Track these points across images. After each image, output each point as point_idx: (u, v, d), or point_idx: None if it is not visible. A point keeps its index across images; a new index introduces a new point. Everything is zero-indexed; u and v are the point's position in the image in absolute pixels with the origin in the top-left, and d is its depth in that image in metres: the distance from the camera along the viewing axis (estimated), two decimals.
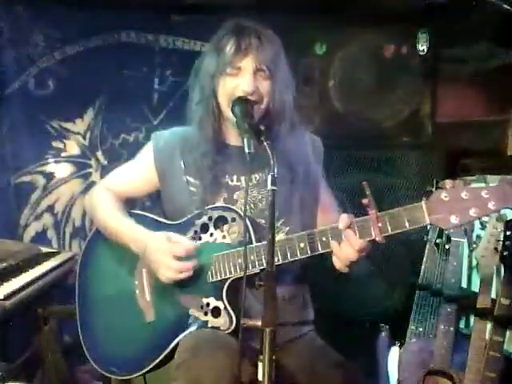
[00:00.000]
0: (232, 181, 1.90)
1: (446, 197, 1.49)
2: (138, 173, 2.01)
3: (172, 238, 1.80)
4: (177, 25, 3.26)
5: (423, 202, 1.52)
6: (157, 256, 1.78)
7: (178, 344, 1.76)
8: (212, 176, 1.87)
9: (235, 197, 1.87)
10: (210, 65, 1.84)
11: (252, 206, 1.87)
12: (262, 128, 1.67)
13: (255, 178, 1.89)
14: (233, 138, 1.92)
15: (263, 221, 1.82)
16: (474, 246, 2.28)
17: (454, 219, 1.48)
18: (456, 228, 2.23)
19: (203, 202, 1.85)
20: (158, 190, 2.00)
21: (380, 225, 1.55)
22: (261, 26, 1.85)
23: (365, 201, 1.55)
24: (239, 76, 1.78)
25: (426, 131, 3.13)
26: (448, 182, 1.60)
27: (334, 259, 1.65)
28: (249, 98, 1.76)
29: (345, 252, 1.60)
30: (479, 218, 1.50)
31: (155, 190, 2.01)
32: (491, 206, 1.44)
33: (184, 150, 1.93)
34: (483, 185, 1.46)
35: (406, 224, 1.53)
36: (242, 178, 1.88)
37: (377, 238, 1.56)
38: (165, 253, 1.77)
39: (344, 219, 1.60)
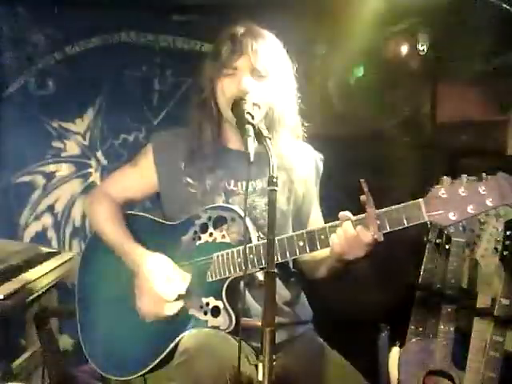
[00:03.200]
0: (229, 185, 1.89)
1: (443, 194, 1.50)
2: (138, 175, 2.00)
3: (167, 275, 1.79)
4: (177, 25, 3.26)
5: (421, 199, 1.52)
6: (145, 287, 1.79)
7: (177, 344, 1.76)
8: (210, 179, 1.87)
9: (231, 201, 1.87)
10: (208, 67, 1.85)
11: (247, 212, 1.86)
12: (263, 128, 1.67)
13: (252, 185, 1.88)
14: (233, 141, 1.92)
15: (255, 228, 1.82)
16: (474, 245, 2.28)
17: (452, 216, 1.48)
18: (455, 226, 2.24)
19: (202, 204, 1.85)
20: (157, 191, 2.00)
21: (378, 222, 1.55)
22: (260, 28, 1.85)
23: (363, 198, 1.55)
24: (236, 76, 1.78)
25: (426, 131, 3.14)
26: (446, 179, 1.60)
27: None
28: (248, 97, 1.75)
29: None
30: (477, 215, 1.50)
31: (154, 191, 2.00)
32: (489, 202, 1.45)
33: (184, 152, 1.92)
34: (481, 182, 1.46)
35: (404, 221, 1.53)
36: (239, 184, 1.88)
37: (375, 236, 1.56)
38: (154, 292, 1.77)
39: (345, 216, 1.61)
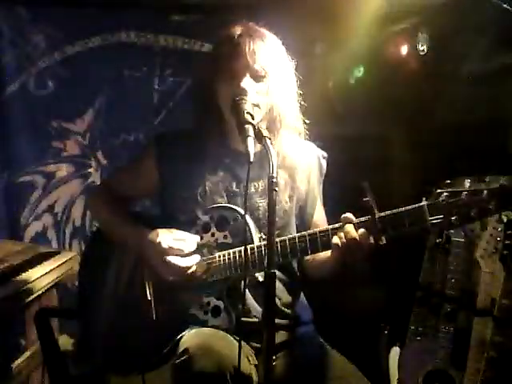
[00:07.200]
0: (231, 186, 1.89)
1: (446, 198, 1.50)
2: (139, 175, 2.01)
3: (176, 235, 1.80)
4: (177, 25, 3.26)
5: (424, 203, 1.52)
6: (155, 251, 1.78)
7: (177, 343, 1.76)
8: (212, 180, 1.87)
9: (233, 202, 1.87)
10: (207, 70, 1.85)
11: (248, 213, 1.86)
12: (263, 128, 1.67)
13: (254, 186, 1.88)
14: (235, 142, 1.92)
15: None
16: (474, 245, 2.28)
17: (454, 220, 1.49)
18: (456, 228, 2.24)
19: (204, 204, 1.86)
20: (158, 190, 2.00)
21: (380, 225, 1.55)
22: (258, 27, 1.85)
23: (365, 201, 1.55)
24: (236, 78, 1.78)
25: (426, 131, 3.13)
26: (448, 183, 1.60)
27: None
28: (247, 98, 1.75)
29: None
30: (479, 219, 1.50)
31: (156, 190, 2.01)
32: (492, 207, 1.45)
33: (186, 152, 1.93)
34: (483, 186, 1.46)
35: (407, 225, 1.54)
36: (241, 185, 1.88)
37: (377, 240, 1.56)
38: (169, 251, 1.76)
39: (347, 218, 1.61)
